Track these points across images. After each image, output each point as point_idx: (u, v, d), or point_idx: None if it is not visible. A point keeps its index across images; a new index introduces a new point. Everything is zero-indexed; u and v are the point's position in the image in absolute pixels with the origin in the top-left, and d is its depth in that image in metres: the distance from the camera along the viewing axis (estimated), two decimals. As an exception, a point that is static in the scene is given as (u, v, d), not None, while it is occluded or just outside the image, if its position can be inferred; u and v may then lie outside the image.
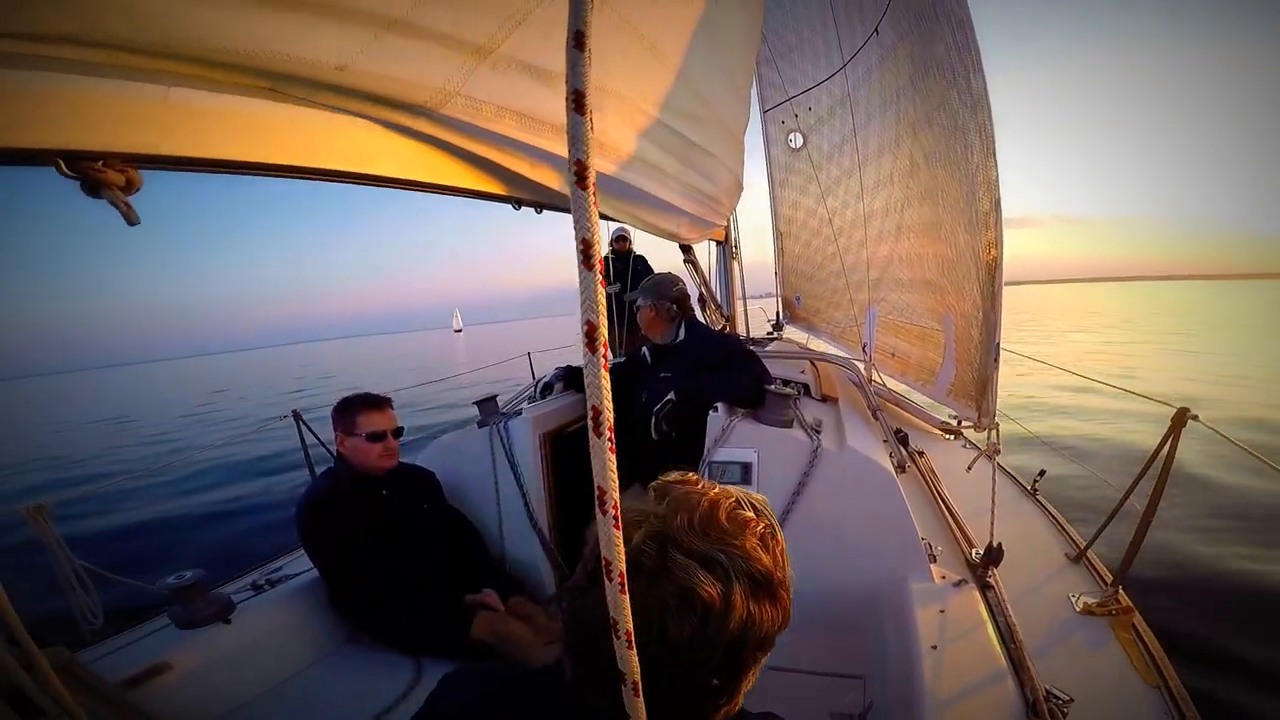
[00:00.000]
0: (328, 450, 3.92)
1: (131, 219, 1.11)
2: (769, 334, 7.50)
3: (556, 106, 1.68)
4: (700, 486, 0.87)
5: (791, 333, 7.81)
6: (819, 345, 6.67)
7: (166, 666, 2.25)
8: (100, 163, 1.06)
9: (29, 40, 0.95)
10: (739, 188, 3.22)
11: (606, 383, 0.60)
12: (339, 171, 1.46)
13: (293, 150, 1.32)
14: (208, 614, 2.46)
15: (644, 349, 3.73)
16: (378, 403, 2.99)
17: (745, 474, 2.75)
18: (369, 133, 1.43)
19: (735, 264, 6.56)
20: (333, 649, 2.83)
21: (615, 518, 0.64)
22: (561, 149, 1.78)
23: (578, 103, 0.57)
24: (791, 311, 8.06)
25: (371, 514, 2.90)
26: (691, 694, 0.79)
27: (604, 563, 0.65)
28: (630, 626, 0.67)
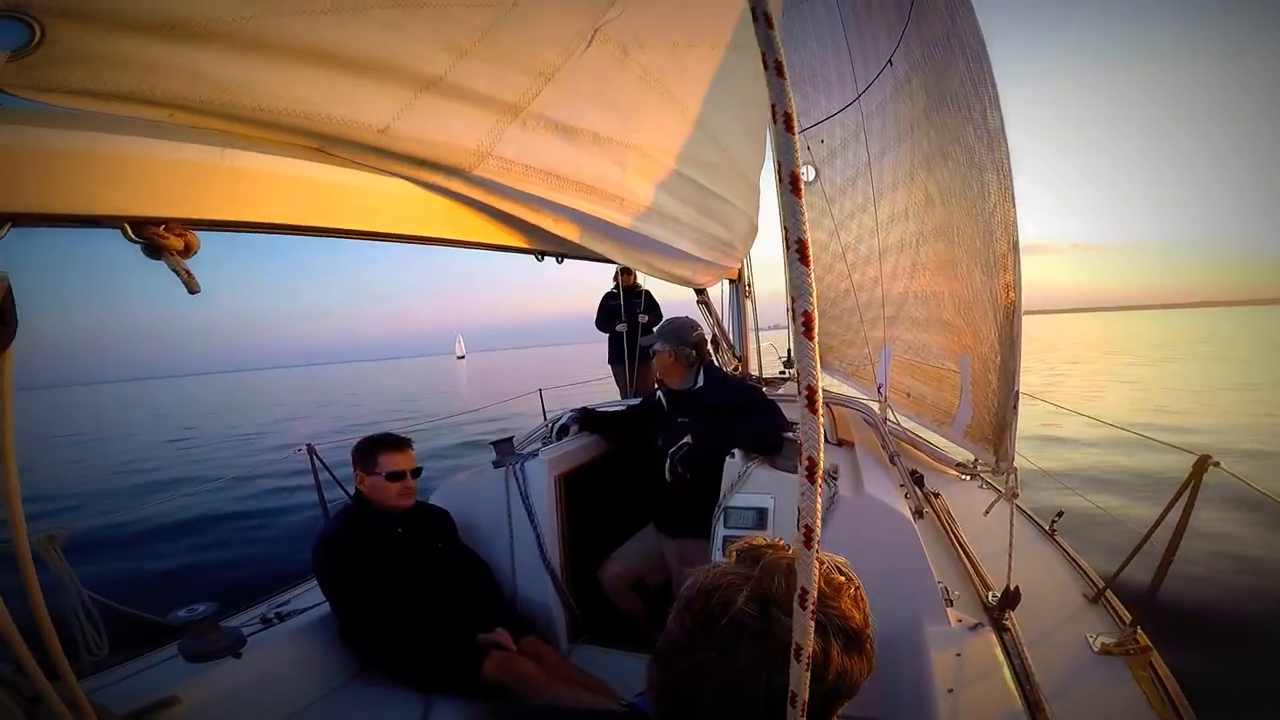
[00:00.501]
0: (339, 484, 3.93)
1: (192, 287, 1.15)
2: (781, 373, 7.44)
3: (582, 164, 1.75)
4: (791, 551, 0.93)
5: None
6: (832, 384, 6.64)
7: (175, 700, 2.24)
8: (162, 227, 1.10)
9: (97, 98, 1.00)
10: (754, 231, 3.24)
11: (817, 359, 0.67)
12: (378, 232, 1.50)
13: (338, 213, 1.36)
14: (218, 648, 2.45)
15: (659, 393, 3.72)
16: (399, 443, 3.04)
17: (760, 520, 2.74)
18: (407, 193, 1.47)
19: (748, 302, 6.55)
20: (341, 684, 2.82)
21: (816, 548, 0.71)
22: (583, 204, 1.81)
23: (794, 184, 0.67)
24: None
25: (386, 552, 2.92)
26: None
27: (800, 591, 0.71)
28: (810, 651, 0.73)
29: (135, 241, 1.08)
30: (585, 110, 1.74)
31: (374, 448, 3.00)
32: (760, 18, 0.66)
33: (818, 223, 6.89)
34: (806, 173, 6.79)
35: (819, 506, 0.70)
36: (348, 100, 1.27)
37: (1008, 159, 2.99)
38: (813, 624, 0.73)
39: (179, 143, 1.07)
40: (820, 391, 0.68)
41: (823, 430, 0.70)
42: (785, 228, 0.68)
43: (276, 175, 1.22)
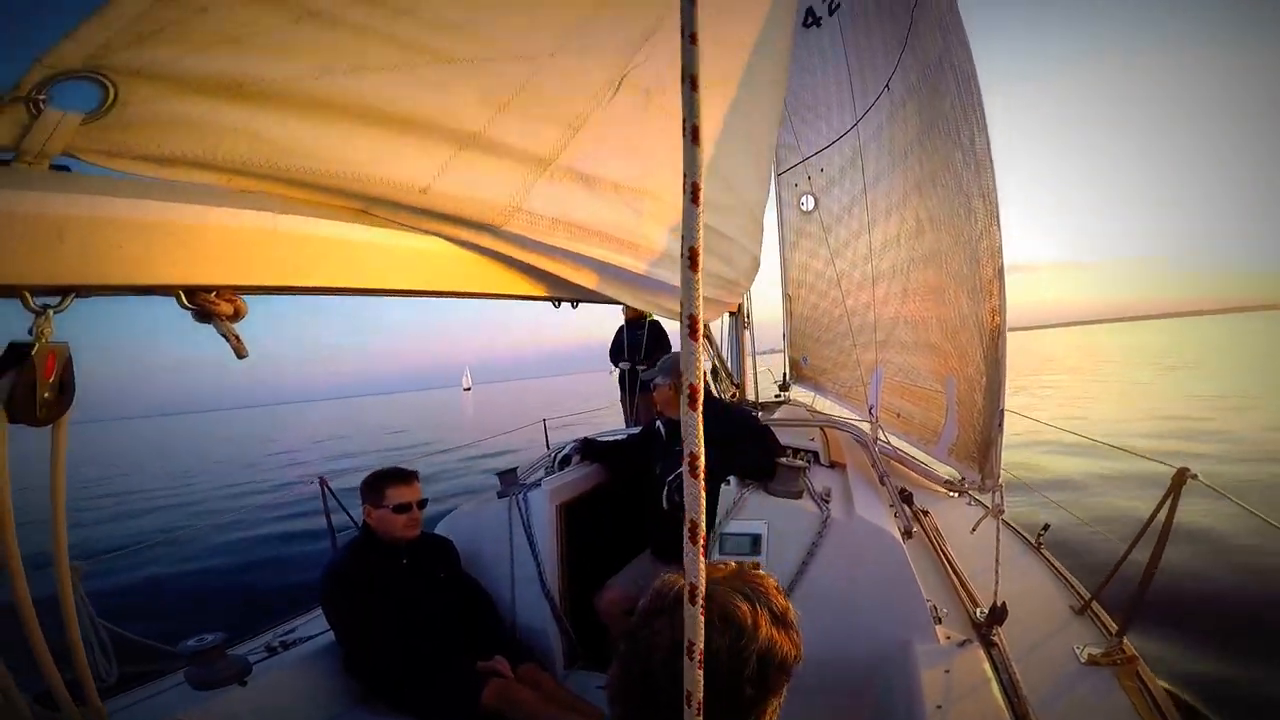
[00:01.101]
0: (348, 515, 3.99)
1: (241, 352, 1.21)
2: (776, 396, 7.59)
3: (602, 213, 1.81)
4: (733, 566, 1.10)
5: (798, 392, 7.87)
6: (825, 405, 6.71)
7: None
8: (214, 294, 1.15)
9: (162, 163, 1.05)
10: (756, 266, 3.30)
11: (703, 365, 0.81)
12: (412, 290, 1.56)
13: (377, 274, 1.41)
14: (224, 676, 2.50)
15: (659, 423, 3.80)
16: (405, 476, 3.11)
17: (755, 545, 2.78)
18: (439, 250, 1.52)
19: (746, 332, 6.65)
20: (343, 711, 2.87)
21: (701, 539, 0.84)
22: (600, 252, 1.87)
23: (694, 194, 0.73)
24: (798, 371, 8.10)
25: (391, 583, 2.98)
26: (733, 703, 0.95)
27: (689, 587, 0.81)
28: (702, 647, 0.82)
29: (188, 308, 1.13)
30: (608, 159, 1.79)
31: (381, 481, 3.06)
32: (686, 35, 0.80)
33: (815, 251, 6.96)
34: (806, 202, 6.90)
35: (701, 502, 0.85)
36: (394, 160, 1.32)
37: (994, 184, 3.05)
38: (703, 619, 0.81)
39: (235, 209, 1.12)
40: (701, 321, 0.82)
41: (702, 352, 0.79)
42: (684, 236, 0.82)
43: (323, 239, 1.27)
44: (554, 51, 1.58)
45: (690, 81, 0.81)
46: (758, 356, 7.04)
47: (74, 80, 0.96)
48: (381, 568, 3.00)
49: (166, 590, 8.96)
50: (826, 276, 6.67)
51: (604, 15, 1.70)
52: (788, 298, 8.03)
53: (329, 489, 4.28)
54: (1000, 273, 2.95)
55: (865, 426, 4.41)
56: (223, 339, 1.18)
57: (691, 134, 0.81)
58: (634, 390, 7.33)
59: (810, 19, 6.00)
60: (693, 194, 0.81)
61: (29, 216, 0.90)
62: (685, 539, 0.82)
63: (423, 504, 3.12)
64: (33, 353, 0.97)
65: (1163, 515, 2.44)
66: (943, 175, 3.73)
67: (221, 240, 1.11)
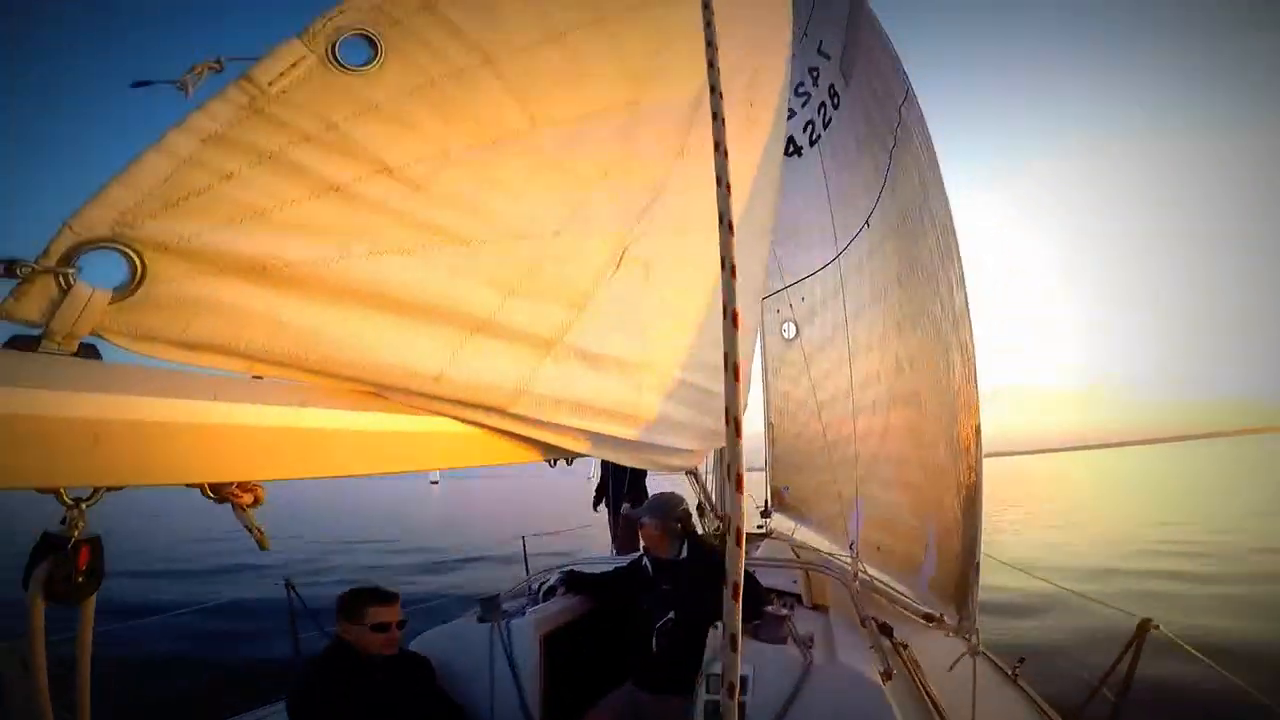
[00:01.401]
0: (314, 621, 3.96)
1: (264, 545, 1.27)
2: (759, 526, 7.66)
3: (603, 390, 1.88)
4: None
5: (780, 520, 7.89)
6: (806, 534, 6.73)
7: None
8: (234, 485, 1.20)
9: (188, 348, 1.12)
10: (743, 410, 3.37)
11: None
12: (421, 468, 1.61)
13: (391, 456, 1.46)
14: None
15: (645, 560, 3.89)
16: (387, 597, 3.10)
17: (741, 687, 2.84)
18: (448, 429, 1.58)
19: None
20: None
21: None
22: (599, 425, 1.91)
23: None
24: (780, 500, 8.15)
25: (364, 698, 2.95)
26: None
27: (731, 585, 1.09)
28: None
29: (210, 498, 1.18)
30: (610, 335, 1.86)
31: (362, 601, 3.04)
32: (724, 224, 0.92)
33: (797, 380, 7.07)
34: (788, 329, 7.06)
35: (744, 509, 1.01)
36: (409, 348, 1.40)
37: (971, 340, 3.20)
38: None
39: (260, 405, 1.16)
40: (744, 471, 1.01)
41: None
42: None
43: (340, 429, 1.32)
44: (559, 230, 1.69)
45: (730, 269, 0.93)
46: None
47: (102, 250, 1.02)
48: (354, 682, 2.96)
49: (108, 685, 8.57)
50: (808, 406, 6.77)
51: (605, 188, 1.83)
52: (770, 425, 8.15)
53: (295, 592, 4.25)
54: (978, 431, 3.10)
55: (847, 561, 4.48)
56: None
57: (732, 318, 0.96)
58: (615, 526, 7.26)
59: (791, 148, 6.30)
60: (732, 319, 1.01)
61: (65, 421, 0.93)
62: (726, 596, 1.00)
63: (402, 624, 3.11)
64: (69, 546, 1.02)
65: (1126, 662, 2.54)
66: (922, 320, 3.91)
67: (247, 438, 1.15)
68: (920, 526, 3.99)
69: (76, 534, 1.03)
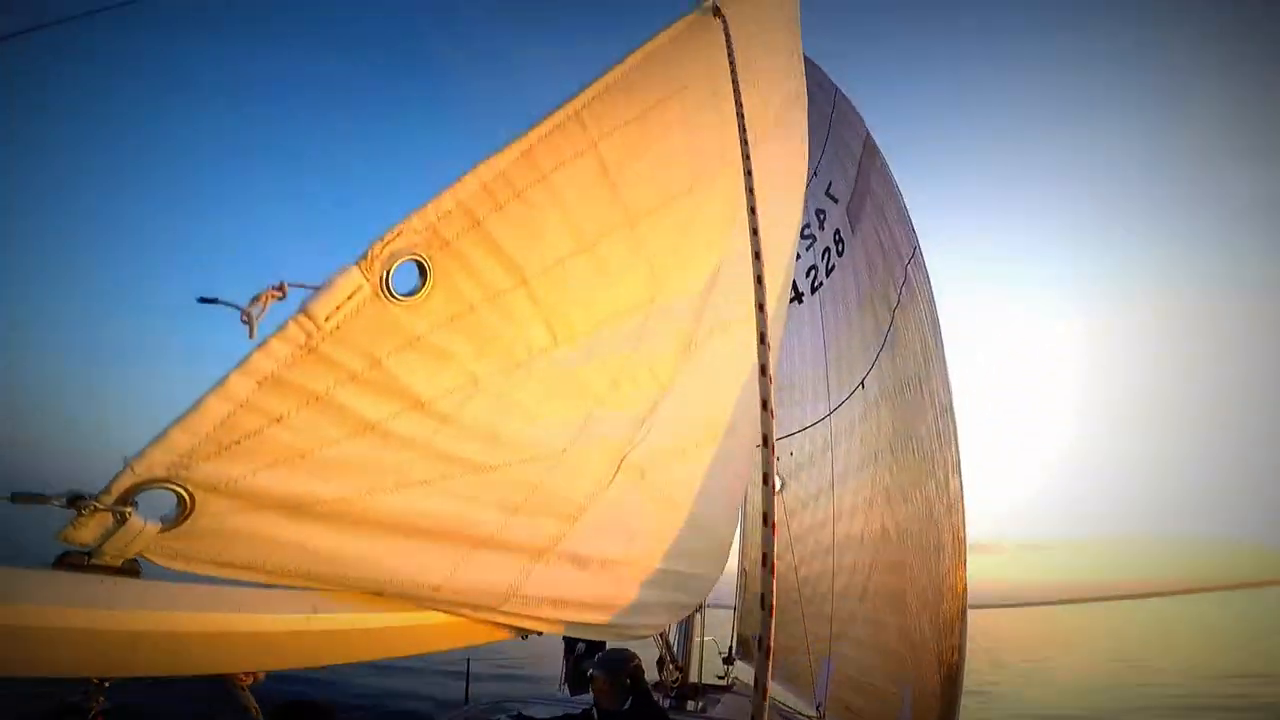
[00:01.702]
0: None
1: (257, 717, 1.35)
2: (720, 676, 7.24)
3: (586, 588, 1.97)
4: None
5: (743, 669, 7.72)
6: (773, 688, 6.54)
7: None
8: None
9: (220, 565, 1.20)
10: (714, 583, 3.44)
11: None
12: (413, 654, 1.67)
13: (388, 646, 1.54)
14: None
15: (594, 710, 3.94)
16: (326, 713, 2.96)
17: None
18: (442, 622, 1.67)
19: (698, 616, 6.48)
20: None
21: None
22: (581, 615, 2.00)
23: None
24: (747, 649, 7.77)
25: None
26: None
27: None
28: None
29: (219, 683, 1.26)
30: (598, 540, 1.93)
31: (295, 716, 2.98)
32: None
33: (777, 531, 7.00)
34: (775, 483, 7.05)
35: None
36: (415, 565, 1.47)
37: (964, 525, 3.24)
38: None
39: (276, 615, 1.25)
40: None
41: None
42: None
43: (344, 628, 1.39)
44: (566, 447, 1.76)
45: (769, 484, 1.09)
46: (709, 609, 6.95)
47: (158, 489, 1.09)
48: None
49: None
50: (785, 560, 6.56)
51: (613, 399, 1.90)
52: (744, 573, 7.98)
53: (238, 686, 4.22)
54: (963, 614, 3.11)
55: None
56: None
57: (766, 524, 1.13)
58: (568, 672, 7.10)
59: (793, 293, 6.16)
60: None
61: (109, 633, 1.03)
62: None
63: None
64: (88, 717, 1.16)
65: None
66: (914, 495, 3.94)
67: (265, 641, 1.23)
68: (896, 693, 3.92)
69: (95, 708, 1.20)
